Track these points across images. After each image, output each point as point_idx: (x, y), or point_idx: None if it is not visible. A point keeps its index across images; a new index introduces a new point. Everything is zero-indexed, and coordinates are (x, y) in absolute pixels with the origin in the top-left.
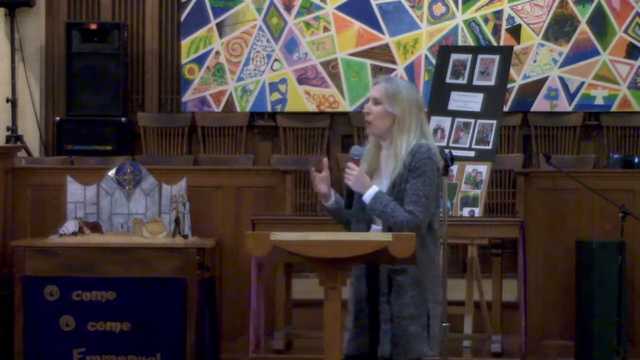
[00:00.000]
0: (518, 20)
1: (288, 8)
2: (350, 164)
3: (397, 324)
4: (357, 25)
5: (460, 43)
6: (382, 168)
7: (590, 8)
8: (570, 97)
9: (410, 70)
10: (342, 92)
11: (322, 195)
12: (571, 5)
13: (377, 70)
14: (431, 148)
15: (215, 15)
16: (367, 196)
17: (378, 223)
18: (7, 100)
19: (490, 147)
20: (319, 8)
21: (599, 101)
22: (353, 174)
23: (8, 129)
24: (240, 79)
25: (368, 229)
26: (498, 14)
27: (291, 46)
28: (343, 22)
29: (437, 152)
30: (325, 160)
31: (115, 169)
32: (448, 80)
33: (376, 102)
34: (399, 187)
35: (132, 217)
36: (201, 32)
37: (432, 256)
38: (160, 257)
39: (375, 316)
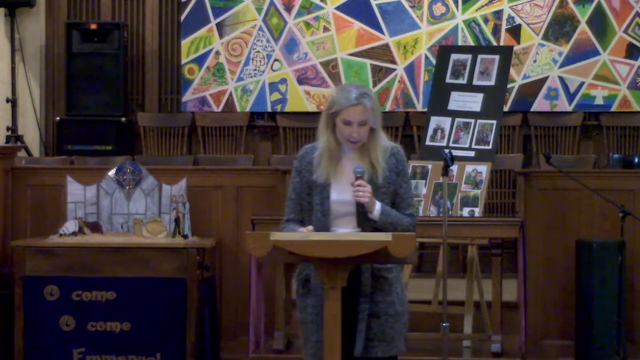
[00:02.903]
0: (518, 20)
1: (288, 8)
2: (361, 182)
3: (384, 321)
4: (357, 25)
5: (460, 43)
6: (344, 174)
7: (590, 8)
8: (570, 97)
9: (410, 70)
10: None
11: None
12: (571, 5)
13: (377, 71)
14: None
15: (215, 15)
16: (376, 212)
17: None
18: (7, 100)
19: (490, 147)
20: (319, 8)
21: (599, 101)
22: (368, 191)
23: (8, 129)
24: (240, 79)
25: None
26: (498, 14)
27: (291, 46)
28: (343, 22)
29: None
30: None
31: (115, 169)
32: (448, 80)
33: (361, 124)
34: (385, 188)
35: (132, 217)
36: (201, 32)
37: None
38: (160, 257)
39: (347, 319)
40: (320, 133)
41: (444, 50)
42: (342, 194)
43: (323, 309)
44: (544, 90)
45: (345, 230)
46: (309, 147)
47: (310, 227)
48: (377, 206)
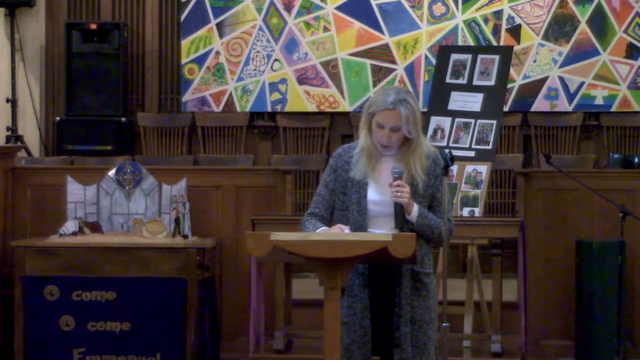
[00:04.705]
0: (518, 20)
1: (288, 8)
2: (400, 182)
3: (418, 327)
4: (357, 25)
5: (460, 43)
6: (382, 175)
7: (590, 8)
8: (570, 97)
9: (410, 70)
10: (342, 92)
11: None
12: (571, 5)
13: (377, 70)
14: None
15: (215, 15)
16: (414, 214)
17: (382, 229)
18: (7, 100)
19: (490, 147)
20: (319, 8)
21: (599, 101)
22: (407, 191)
23: (8, 129)
24: (240, 79)
25: None
26: (498, 14)
27: (291, 46)
28: (343, 22)
29: None
30: None
31: (115, 169)
32: (448, 80)
33: (394, 129)
34: (423, 192)
35: (132, 217)
36: (201, 32)
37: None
38: (160, 257)
39: (381, 321)
40: (360, 131)
41: (444, 50)
42: (379, 194)
43: (359, 310)
44: (544, 90)
45: (381, 232)
46: (346, 147)
47: (347, 228)
48: (415, 208)
